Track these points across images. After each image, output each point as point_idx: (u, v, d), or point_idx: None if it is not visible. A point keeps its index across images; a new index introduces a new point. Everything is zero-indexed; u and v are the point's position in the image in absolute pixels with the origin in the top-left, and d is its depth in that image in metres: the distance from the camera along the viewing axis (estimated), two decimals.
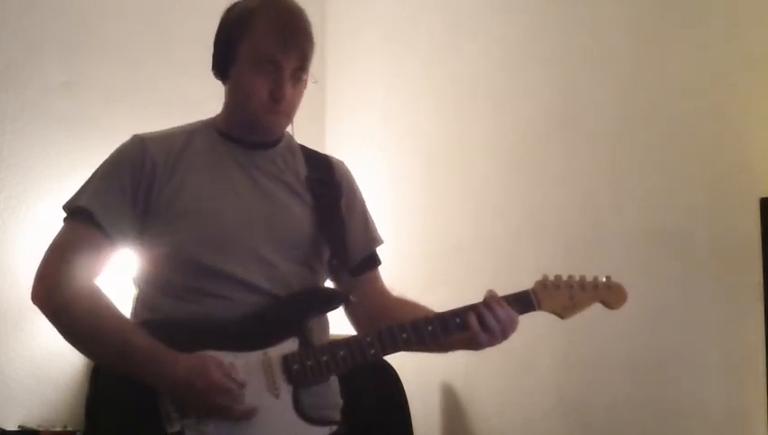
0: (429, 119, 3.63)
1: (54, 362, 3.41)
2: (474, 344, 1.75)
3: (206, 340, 1.64)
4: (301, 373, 1.66)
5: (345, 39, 4.15)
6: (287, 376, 1.66)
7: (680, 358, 2.58)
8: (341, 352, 1.69)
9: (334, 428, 1.72)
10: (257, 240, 1.74)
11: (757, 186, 2.38)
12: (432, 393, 3.37)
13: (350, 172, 1.95)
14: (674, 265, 2.61)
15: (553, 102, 3.07)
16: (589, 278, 1.85)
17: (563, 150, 3.01)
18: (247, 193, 1.78)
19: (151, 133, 1.81)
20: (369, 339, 1.71)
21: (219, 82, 1.83)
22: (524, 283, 1.82)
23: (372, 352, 1.70)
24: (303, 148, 1.91)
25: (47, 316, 1.68)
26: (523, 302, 1.79)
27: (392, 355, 1.80)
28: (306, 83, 1.79)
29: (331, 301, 1.79)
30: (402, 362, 2.97)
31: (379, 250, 1.96)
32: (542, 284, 1.82)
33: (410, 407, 3.18)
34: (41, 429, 3.32)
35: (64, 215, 1.76)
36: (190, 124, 1.86)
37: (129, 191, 1.72)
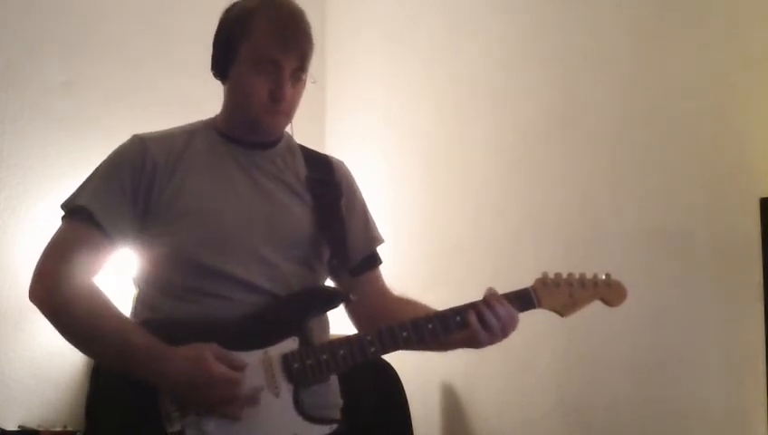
0: (429, 119, 3.63)
1: (54, 362, 3.41)
2: (474, 343, 1.75)
3: (205, 340, 1.64)
4: (301, 372, 1.67)
5: (345, 39, 4.15)
6: (287, 375, 1.66)
7: (680, 358, 2.58)
8: (342, 351, 1.69)
9: (334, 426, 1.72)
10: (257, 240, 1.74)
11: (757, 186, 2.38)
12: (432, 393, 3.37)
13: (349, 172, 1.95)
14: (674, 265, 2.61)
15: (553, 102, 3.07)
16: (588, 276, 1.85)
17: (563, 150, 3.01)
18: (247, 193, 1.78)
19: (151, 133, 1.81)
20: (369, 338, 1.71)
21: (219, 82, 1.83)
22: (524, 283, 1.82)
23: (372, 350, 1.70)
24: (303, 148, 1.91)
25: (46, 315, 1.68)
26: (523, 299, 1.79)
27: (392, 355, 1.80)
28: (305, 83, 1.79)
29: (330, 300, 1.79)
30: (402, 362, 2.97)
31: (379, 250, 1.96)
32: (542, 281, 1.82)
33: (410, 407, 3.18)
34: (41, 429, 3.32)
35: (62, 213, 1.76)
36: (190, 124, 1.86)
37: (129, 191, 1.72)
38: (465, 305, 1.75)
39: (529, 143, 3.14)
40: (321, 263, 1.83)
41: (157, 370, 1.60)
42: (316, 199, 1.83)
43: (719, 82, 2.53)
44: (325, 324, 1.82)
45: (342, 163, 1.95)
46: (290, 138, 1.90)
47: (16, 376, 3.44)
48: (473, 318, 1.73)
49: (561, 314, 1.83)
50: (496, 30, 3.36)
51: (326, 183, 1.87)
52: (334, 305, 1.79)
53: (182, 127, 1.85)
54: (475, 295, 1.77)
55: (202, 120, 1.87)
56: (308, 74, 1.78)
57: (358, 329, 1.87)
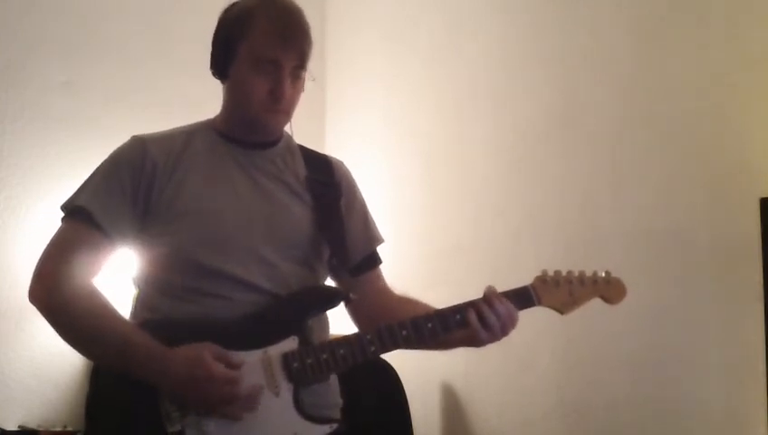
0: (429, 119, 3.63)
1: (54, 362, 3.41)
2: (474, 341, 1.75)
3: (205, 339, 1.64)
4: (301, 371, 1.67)
5: (345, 39, 4.15)
6: (287, 374, 1.66)
7: (680, 358, 2.58)
8: (341, 351, 1.69)
9: (335, 426, 1.72)
10: (257, 240, 1.74)
11: (757, 186, 2.38)
12: (432, 393, 3.37)
13: (349, 172, 1.95)
14: (674, 265, 2.61)
15: (553, 102, 3.07)
16: (588, 273, 1.85)
17: (563, 150, 3.01)
18: (247, 193, 1.78)
19: (151, 134, 1.81)
20: (369, 337, 1.71)
21: (219, 83, 1.83)
22: (524, 282, 1.82)
23: (372, 349, 1.70)
24: (302, 148, 1.91)
25: (45, 315, 1.68)
26: (523, 297, 1.79)
27: (392, 355, 1.80)
28: (304, 82, 1.79)
29: (330, 299, 1.79)
30: (402, 362, 2.97)
31: (380, 250, 1.96)
32: (542, 279, 1.82)
33: (410, 407, 3.18)
34: (41, 429, 3.32)
35: (62, 214, 1.76)
36: (189, 125, 1.86)
37: (128, 192, 1.72)
38: (464, 304, 1.75)
39: (529, 143, 3.15)
40: (321, 263, 1.84)
41: (156, 370, 1.60)
42: (316, 199, 1.83)
43: (719, 82, 2.53)
44: (325, 324, 1.82)
45: (342, 163, 1.95)
46: (289, 138, 1.90)
47: (16, 376, 3.44)
48: (472, 317, 1.72)
49: (561, 312, 1.82)
50: (496, 30, 3.36)
51: (326, 183, 1.87)
52: (334, 305, 1.79)
53: (181, 127, 1.85)
54: (475, 295, 1.76)
55: (201, 121, 1.87)
56: (307, 73, 1.78)
57: (358, 328, 1.87)
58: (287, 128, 1.87)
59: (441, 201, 3.52)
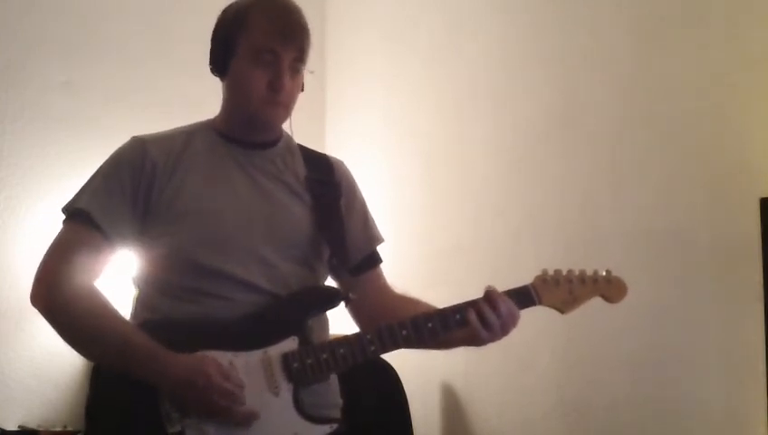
0: (429, 119, 3.63)
1: (54, 362, 3.41)
2: (474, 341, 1.75)
3: (205, 340, 1.64)
4: (301, 371, 1.66)
5: (345, 39, 4.15)
6: (287, 374, 1.66)
7: (680, 358, 2.58)
8: (341, 350, 1.69)
9: (335, 426, 1.72)
10: (257, 240, 1.74)
11: (757, 186, 2.38)
12: (432, 393, 3.37)
13: (349, 171, 1.95)
14: (674, 265, 2.61)
15: (553, 102, 3.07)
16: (588, 273, 1.84)
17: (563, 150, 3.01)
18: (247, 193, 1.78)
19: (151, 135, 1.81)
20: (368, 337, 1.71)
21: (219, 83, 1.83)
22: (524, 282, 1.82)
23: (372, 349, 1.70)
24: (302, 148, 1.91)
25: (46, 317, 1.68)
26: (523, 297, 1.79)
27: (392, 354, 1.80)
28: (303, 77, 1.79)
29: (330, 299, 1.79)
30: (402, 362, 2.97)
31: (380, 249, 1.96)
32: (542, 279, 1.81)
33: (410, 407, 3.18)
34: (41, 429, 3.32)
35: (63, 217, 1.76)
36: (189, 125, 1.87)
37: (128, 192, 1.72)
38: (464, 303, 1.75)
39: (529, 143, 3.15)
40: (321, 263, 1.83)
41: (157, 370, 1.60)
42: (315, 199, 1.83)
43: (719, 82, 2.53)
44: (325, 324, 1.82)
45: (342, 163, 1.95)
46: (289, 138, 1.90)
47: (16, 376, 3.44)
48: (473, 316, 1.72)
49: (562, 311, 1.82)
50: (496, 30, 3.36)
51: (325, 183, 1.87)
52: (334, 305, 1.79)
53: (181, 128, 1.85)
54: (475, 295, 1.76)
55: (200, 122, 1.87)
56: (306, 69, 1.78)
57: (359, 328, 1.87)
58: (287, 128, 1.87)
59: (441, 201, 3.52)
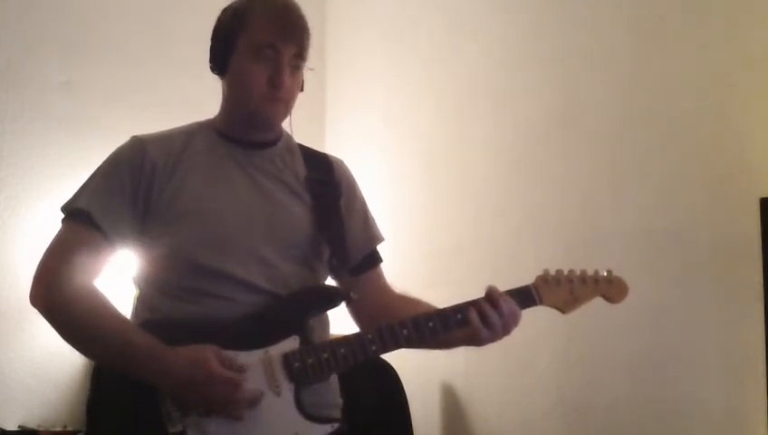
0: (429, 119, 3.64)
1: (54, 362, 3.41)
2: (475, 340, 1.75)
3: (205, 340, 1.64)
4: (302, 371, 1.66)
5: (345, 39, 4.16)
6: (288, 374, 1.66)
7: (680, 358, 2.58)
8: (342, 350, 1.69)
9: (335, 426, 1.72)
10: (257, 240, 1.74)
11: (757, 186, 2.38)
12: (432, 393, 3.37)
13: (349, 171, 1.95)
14: (674, 265, 2.61)
15: (553, 102, 3.07)
16: (589, 273, 1.85)
17: (563, 150, 3.01)
18: (247, 193, 1.78)
19: (150, 135, 1.81)
20: (370, 336, 1.71)
21: (219, 83, 1.83)
22: (524, 282, 1.82)
23: (373, 349, 1.70)
24: (302, 147, 1.91)
25: (46, 317, 1.68)
26: (525, 296, 1.79)
27: (392, 354, 1.80)
28: (303, 78, 1.80)
29: (331, 299, 1.79)
30: (402, 362, 2.97)
31: (380, 249, 1.95)
32: (543, 278, 1.82)
33: (410, 407, 3.18)
34: (41, 429, 3.32)
35: (62, 216, 1.76)
36: (188, 125, 1.86)
37: (128, 192, 1.72)
38: (466, 303, 1.75)
39: (529, 143, 3.15)
40: (321, 262, 1.83)
41: (157, 369, 1.60)
42: (315, 199, 1.83)
43: (719, 82, 2.53)
44: (326, 323, 1.82)
45: (342, 162, 1.95)
46: (289, 137, 1.90)
47: (16, 376, 3.44)
48: (474, 315, 1.72)
49: (563, 311, 1.82)
50: (496, 30, 3.36)
51: (325, 183, 1.86)
52: (335, 304, 1.78)
53: (180, 128, 1.85)
54: (476, 295, 1.76)
55: (199, 121, 1.87)
56: (306, 66, 1.79)
57: (359, 327, 1.87)
58: (287, 127, 1.87)
59: (441, 201, 3.52)
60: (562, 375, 2.94)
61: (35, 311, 1.69)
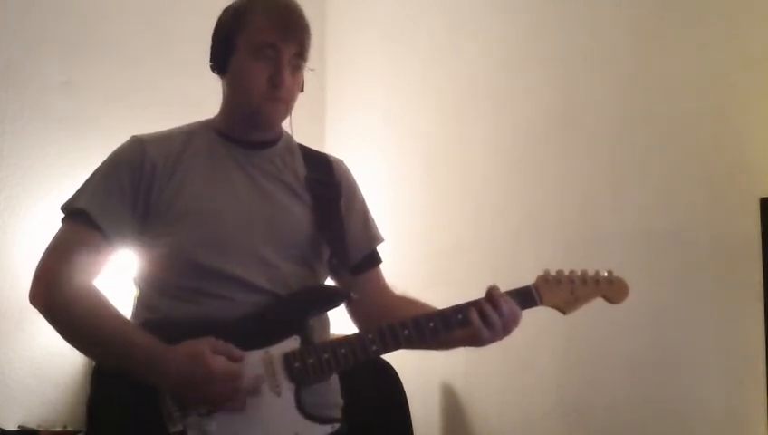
0: (429, 119, 3.64)
1: (54, 362, 3.41)
2: (475, 340, 1.75)
3: None
4: (302, 371, 1.66)
5: (345, 39, 4.16)
6: (289, 374, 1.66)
7: (680, 358, 2.58)
8: (343, 350, 1.69)
9: (336, 426, 1.72)
10: (257, 240, 1.74)
11: (757, 186, 2.38)
12: (432, 393, 3.37)
13: (349, 171, 1.95)
14: (674, 265, 2.61)
15: (553, 102, 3.07)
16: (590, 273, 1.85)
17: (563, 150, 3.01)
18: (246, 193, 1.78)
19: (150, 135, 1.81)
20: (370, 336, 1.71)
21: (219, 83, 1.83)
22: (525, 283, 1.82)
23: (374, 349, 1.70)
24: (302, 147, 1.91)
25: (46, 317, 1.68)
26: (525, 297, 1.79)
27: (392, 355, 1.80)
28: (304, 78, 1.80)
29: (331, 299, 1.79)
30: (402, 362, 2.97)
31: (380, 249, 1.96)
32: (544, 279, 1.82)
33: (410, 407, 3.18)
34: (41, 429, 3.32)
35: (62, 215, 1.76)
36: (188, 125, 1.86)
37: (128, 192, 1.72)
38: (466, 303, 1.75)
39: (529, 143, 3.15)
40: (321, 263, 1.83)
41: (157, 369, 1.60)
42: (315, 199, 1.83)
43: (719, 82, 2.53)
44: (326, 324, 1.82)
45: (342, 162, 1.95)
46: (289, 137, 1.90)
47: (16, 376, 3.44)
48: (474, 316, 1.72)
49: (563, 312, 1.82)
50: (496, 30, 3.36)
51: (325, 183, 1.87)
52: (335, 304, 1.79)
53: (180, 128, 1.85)
54: (476, 295, 1.76)
55: (199, 121, 1.87)
56: (306, 66, 1.79)
57: (359, 328, 1.87)
58: (287, 127, 1.87)
59: (441, 201, 3.52)
60: (562, 375, 2.94)
61: (35, 311, 1.69)
